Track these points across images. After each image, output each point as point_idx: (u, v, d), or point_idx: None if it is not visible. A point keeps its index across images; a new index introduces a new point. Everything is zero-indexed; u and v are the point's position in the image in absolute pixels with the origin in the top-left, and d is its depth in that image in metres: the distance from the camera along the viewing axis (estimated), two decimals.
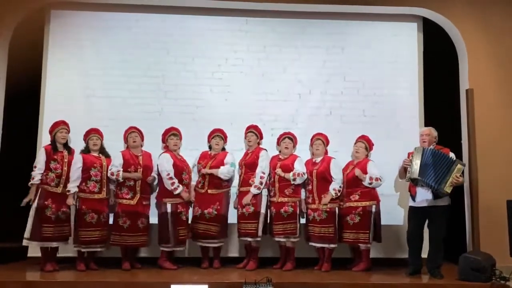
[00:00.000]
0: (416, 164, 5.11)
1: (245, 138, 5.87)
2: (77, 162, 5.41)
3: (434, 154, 5.12)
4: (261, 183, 5.55)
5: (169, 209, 5.48)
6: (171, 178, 5.49)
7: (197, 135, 6.03)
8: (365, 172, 5.55)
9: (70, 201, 5.36)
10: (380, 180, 5.52)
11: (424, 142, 5.35)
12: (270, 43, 6.48)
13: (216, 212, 5.53)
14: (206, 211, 5.53)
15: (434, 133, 5.42)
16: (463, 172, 5.14)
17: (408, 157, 5.32)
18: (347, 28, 6.55)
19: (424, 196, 5.22)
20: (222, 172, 5.57)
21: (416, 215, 5.32)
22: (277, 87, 6.42)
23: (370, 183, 5.51)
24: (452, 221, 5.73)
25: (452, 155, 5.25)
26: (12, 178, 6.09)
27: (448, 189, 5.03)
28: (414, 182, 5.23)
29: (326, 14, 6.50)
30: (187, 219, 5.61)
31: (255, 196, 5.55)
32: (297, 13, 6.47)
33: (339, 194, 5.55)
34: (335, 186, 5.53)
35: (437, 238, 5.22)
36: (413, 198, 5.31)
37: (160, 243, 5.53)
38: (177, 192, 5.49)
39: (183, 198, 5.53)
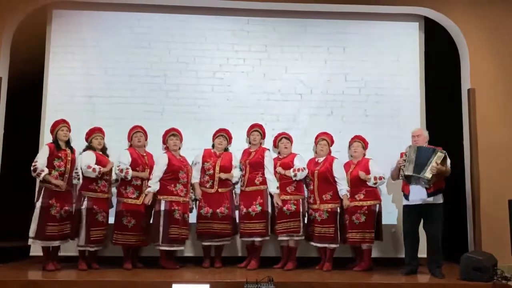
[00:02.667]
0: (411, 161, 5.13)
1: (249, 136, 5.85)
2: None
3: (421, 150, 5.17)
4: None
5: (162, 207, 5.44)
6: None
7: (199, 135, 6.04)
8: (368, 172, 5.56)
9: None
10: (383, 178, 5.54)
11: (416, 142, 5.37)
12: (271, 43, 6.48)
13: (227, 211, 5.55)
14: (218, 210, 5.52)
15: (425, 133, 5.50)
16: (445, 160, 5.11)
17: (401, 157, 5.34)
18: (348, 28, 6.56)
19: (417, 195, 5.20)
20: (237, 176, 5.67)
21: (410, 214, 5.32)
22: (278, 86, 6.42)
23: (375, 183, 5.51)
24: (453, 221, 5.73)
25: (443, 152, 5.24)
26: (14, 178, 6.10)
27: (428, 174, 5.01)
28: (408, 179, 5.22)
29: (328, 14, 6.51)
30: (184, 218, 5.49)
31: (261, 195, 5.56)
32: (298, 13, 6.47)
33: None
34: (345, 186, 5.54)
35: (435, 237, 5.20)
36: (407, 197, 5.31)
37: (151, 242, 5.50)
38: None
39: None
